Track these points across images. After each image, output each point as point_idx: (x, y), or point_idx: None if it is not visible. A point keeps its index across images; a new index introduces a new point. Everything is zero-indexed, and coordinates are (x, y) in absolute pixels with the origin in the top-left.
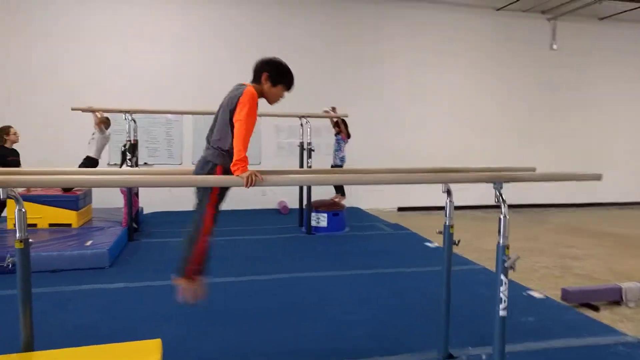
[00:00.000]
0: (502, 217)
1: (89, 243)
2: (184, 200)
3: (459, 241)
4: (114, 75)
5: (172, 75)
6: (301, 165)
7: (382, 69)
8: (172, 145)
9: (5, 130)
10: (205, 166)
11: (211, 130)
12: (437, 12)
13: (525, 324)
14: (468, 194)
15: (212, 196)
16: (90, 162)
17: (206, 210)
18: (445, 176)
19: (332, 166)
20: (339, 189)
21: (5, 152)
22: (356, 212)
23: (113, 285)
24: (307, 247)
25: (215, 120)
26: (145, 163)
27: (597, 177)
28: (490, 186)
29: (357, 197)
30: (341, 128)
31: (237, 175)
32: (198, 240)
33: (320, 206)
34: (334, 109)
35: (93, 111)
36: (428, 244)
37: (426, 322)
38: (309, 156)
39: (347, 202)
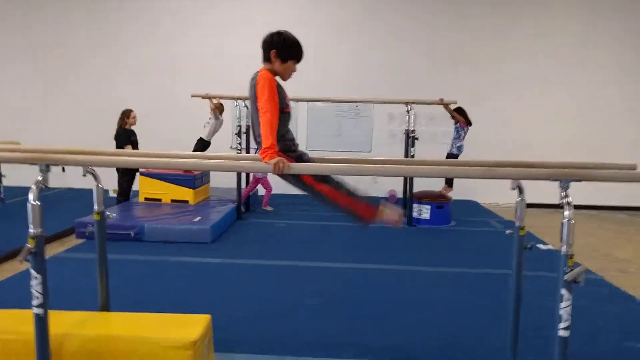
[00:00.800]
0: (565, 221)
1: (196, 219)
2: None
3: (531, 246)
4: (230, 64)
5: None
6: (406, 154)
7: (504, 61)
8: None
9: (127, 113)
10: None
11: (252, 127)
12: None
13: (632, 351)
14: (610, 193)
15: (306, 178)
16: (202, 143)
17: (315, 190)
18: (491, 171)
19: (447, 155)
20: (448, 180)
21: (128, 133)
22: (471, 205)
23: (208, 260)
24: (403, 239)
25: (251, 117)
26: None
27: None
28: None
29: (475, 190)
30: (456, 116)
31: (266, 162)
32: (339, 202)
33: (423, 197)
34: (441, 100)
35: (209, 97)
36: (540, 245)
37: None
38: (412, 145)
39: (463, 195)
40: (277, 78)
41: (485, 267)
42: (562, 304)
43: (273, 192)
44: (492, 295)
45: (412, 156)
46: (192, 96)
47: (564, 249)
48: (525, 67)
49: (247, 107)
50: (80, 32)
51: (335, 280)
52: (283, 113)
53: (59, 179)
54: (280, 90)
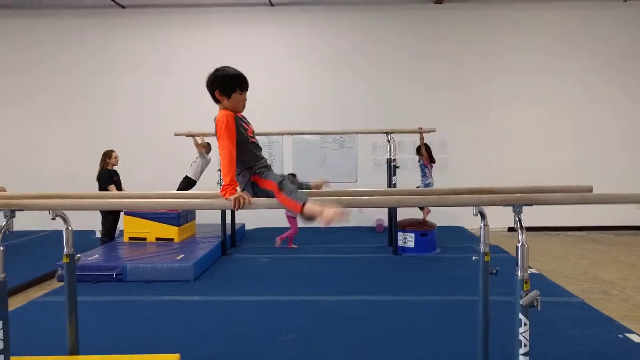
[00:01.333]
0: (519, 245)
1: (179, 257)
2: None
3: (496, 271)
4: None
5: (269, 97)
6: (389, 183)
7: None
8: (274, 164)
9: (108, 154)
10: (248, 187)
11: None
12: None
13: None
14: (599, 213)
15: (275, 191)
16: (187, 181)
17: (278, 199)
18: (442, 199)
19: None
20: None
21: (111, 173)
22: (457, 231)
23: (188, 298)
24: (388, 269)
25: None
26: None
27: None
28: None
29: (460, 217)
30: (423, 152)
31: (226, 199)
32: (286, 205)
33: (407, 225)
34: (420, 129)
35: (192, 135)
36: None
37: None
38: (394, 173)
39: (449, 221)
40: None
41: (467, 294)
42: (521, 329)
43: (259, 226)
44: (473, 322)
45: (394, 185)
46: (175, 134)
47: (519, 273)
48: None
49: None
50: (57, 73)
51: (311, 313)
52: (248, 143)
53: (48, 222)
54: (239, 125)
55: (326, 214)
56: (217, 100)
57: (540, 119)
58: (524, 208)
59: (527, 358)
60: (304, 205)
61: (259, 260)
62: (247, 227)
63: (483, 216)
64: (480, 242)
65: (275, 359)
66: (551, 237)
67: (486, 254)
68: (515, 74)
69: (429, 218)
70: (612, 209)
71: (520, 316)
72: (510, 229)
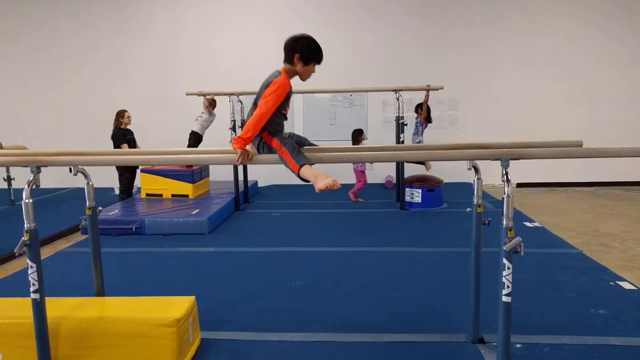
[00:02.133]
0: (505, 197)
1: (194, 212)
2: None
3: (489, 222)
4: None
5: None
6: (397, 140)
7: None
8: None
9: (121, 113)
10: (255, 140)
11: (250, 111)
12: None
13: (589, 316)
14: (609, 169)
15: (278, 148)
16: (195, 136)
17: (279, 154)
18: (432, 153)
19: None
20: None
21: (124, 132)
22: (465, 187)
23: (204, 249)
24: (395, 223)
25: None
26: None
27: (637, 153)
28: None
29: (469, 173)
30: (423, 110)
31: (234, 149)
32: (286, 161)
33: (415, 181)
34: (428, 86)
35: (204, 95)
36: (527, 223)
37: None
38: (402, 131)
39: (459, 177)
40: (296, 78)
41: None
42: (504, 272)
43: (270, 182)
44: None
45: (402, 142)
46: (187, 94)
47: (504, 222)
48: (520, 47)
49: (240, 103)
50: (72, 35)
51: (319, 263)
52: (281, 113)
53: (71, 180)
54: (288, 96)
55: (318, 182)
56: (289, 61)
57: (549, 79)
58: (533, 165)
59: (509, 298)
60: (300, 167)
61: (271, 215)
62: (260, 185)
63: (477, 170)
64: (476, 195)
65: (283, 301)
66: (559, 192)
67: (479, 206)
68: (524, 35)
69: (437, 174)
70: (623, 165)
71: (505, 261)
72: (519, 185)
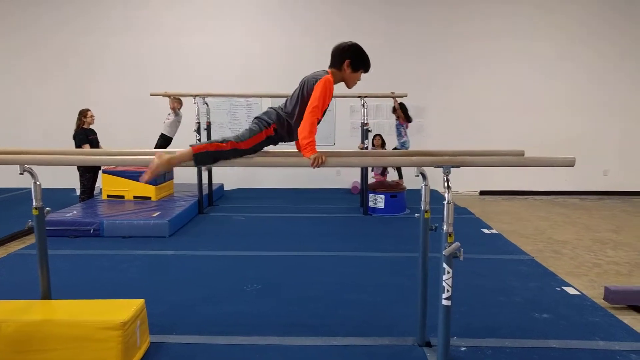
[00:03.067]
0: (445, 203)
1: (155, 214)
2: (261, 177)
3: (436, 227)
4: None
5: (247, 59)
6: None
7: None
8: None
9: (84, 112)
10: (268, 115)
11: (286, 102)
12: None
13: (533, 320)
14: (562, 178)
15: (253, 139)
16: (163, 138)
17: (238, 142)
18: (378, 159)
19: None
20: (399, 173)
21: (87, 132)
22: (431, 194)
23: (163, 252)
24: (357, 228)
25: (292, 95)
26: None
27: (571, 163)
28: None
29: (436, 179)
30: (398, 113)
31: (307, 157)
32: (214, 145)
33: (378, 187)
34: (392, 93)
35: (168, 95)
36: (485, 230)
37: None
38: (366, 137)
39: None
40: (341, 84)
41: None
42: (444, 277)
43: (237, 186)
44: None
45: (366, 148)
46: (152, 95)
47: (444, 227)
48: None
49: (206, 104)
50: (48, 34)
51: (279, 267)
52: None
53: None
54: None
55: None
56: (338, 67)
57: (517, 82)
58: (495, 173)
59: (449, 302)
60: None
61: (234, 219)
62: (226, 188)
63: (424, 177)
64: (424, 201)
65: (238, 305)
66: (520, 200)
67: (426, 212)
68: (490, 38)
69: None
70: (580, 175)
71: (444, 265)
72: (482, 193)
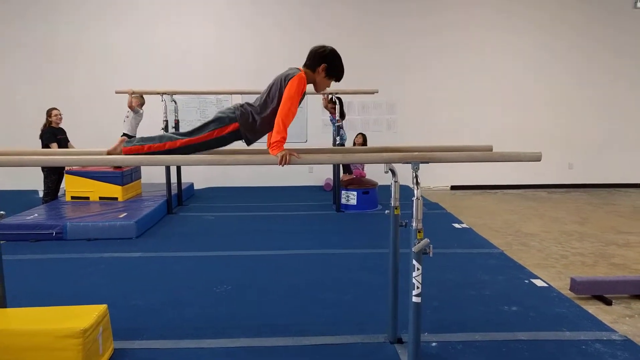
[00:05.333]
0: (414, 199)
1: (121, 215)
2: (232, 176)
3: (406, 223)
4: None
5: (217, 57)
6: (334, 142)
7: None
8: None
9: (49, 112)
10: (232, 111)
11: (258, 99)
12: None
13: (502, 313)
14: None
15: (208, 134)
16: (127, 137)
17: (183, 138)
18: (347, 156)
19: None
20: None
21: (54, 131)
22: (403, 190)
23: (129, 255)
24: (330, 225)
25: (264, 91)
26: None
27: (537, 158)
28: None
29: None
30: (328, 107)
31: (274, 155)
32: (161, 144)
33: (350, 184)
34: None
35: (134, 93)
36: (456, 224)
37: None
38: (337, 133)
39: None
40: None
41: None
42: (414, 273)
43: (207, 184)
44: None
45: (339, 144)
46: (117, 92)
47: (413, 224)
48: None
49: (174, 102)
50: (9, 28)
51: (249, 267)
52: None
53: None
54: (302, 97)
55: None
56: (312, 69)
57: (483, 83)
58: (466, 169)
59: (419, 299)
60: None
61: (204, 218)
62: (196, 187)
63: (394, 173)
64: (393, 197)
65: (207, 307)
66: (490, 195)
67: (396, 208)
68: (462, 31)
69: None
70: (549, 168)
71: (414, 262)
72: (453, 187)
